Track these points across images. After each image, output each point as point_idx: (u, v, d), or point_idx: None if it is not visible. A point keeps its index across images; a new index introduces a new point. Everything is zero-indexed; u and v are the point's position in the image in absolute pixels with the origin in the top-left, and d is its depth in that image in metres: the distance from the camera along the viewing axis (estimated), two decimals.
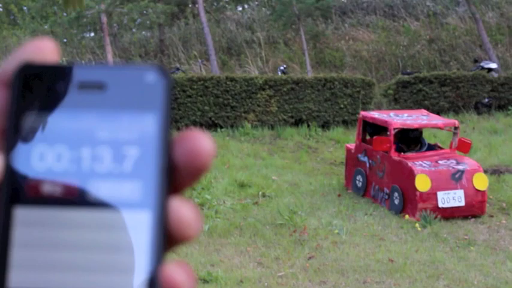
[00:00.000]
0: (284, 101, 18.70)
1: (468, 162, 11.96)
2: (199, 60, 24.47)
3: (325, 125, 18.82)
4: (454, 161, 11.92)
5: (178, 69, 22.51)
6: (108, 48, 22.14)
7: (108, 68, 0.55)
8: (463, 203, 11.48)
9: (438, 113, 18.28)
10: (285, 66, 23.44)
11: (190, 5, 29.90)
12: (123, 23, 26.98)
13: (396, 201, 11.82)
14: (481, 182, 11.61)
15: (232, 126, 18.28)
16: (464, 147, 12.22)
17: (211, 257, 9.52)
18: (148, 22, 25.53)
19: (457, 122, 12.61)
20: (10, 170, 0.53)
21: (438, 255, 9.69)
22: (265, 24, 27.86)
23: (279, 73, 22.26)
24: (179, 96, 17.75)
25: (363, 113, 13.41)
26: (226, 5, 31.77)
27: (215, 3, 31.80)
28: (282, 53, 26.02)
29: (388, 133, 12.20)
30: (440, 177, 11.52)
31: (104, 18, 21.93)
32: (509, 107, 20.41)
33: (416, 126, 12.37)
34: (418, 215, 11.29)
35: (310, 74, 21.75)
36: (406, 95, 20.26)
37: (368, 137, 13.31)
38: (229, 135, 17.87)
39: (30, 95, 0.54)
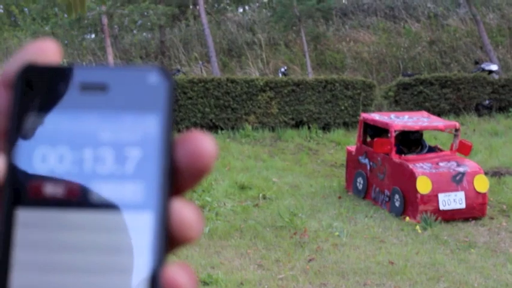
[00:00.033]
0: (285, 102, 18.70)
1: (469, 164, 11.96)
2: (200, 62, 24.49)
3: (325, 127, 18.82)
4: (455, 163, 11.91)
5: (178, 70, 22.53)
6: (109, 50, 22.15)
7: (110, 69, 0.55)
8: (463, 205, 11.48)
9: (439, 115, 18.28)
10: (285, 67, 23.46)
11: (191, 7, 29.92)
12: (124, 24, 26.99)
13: (397, 204, 11.82)
14: (481, 184, 11.60)
15: (232, 128, 18.28)
16: (464, 150, 12.22)
17: (212, 259, 9.51)
18: (149, 24, 25.54)
19: (457, 124, 12.61)
20: (12, 171, 0.53)
21: (439, 257, 9.68)
22: (266, 25, 27.88)
23: (280, 75, 22.28)
24: (180, 98, 17.75)
25: (363, 115, 13.40)
26: (227, 7, 31.80)
27: (216, 5, 31.83)
28: (282, 55, 26.03)
29: (389, 135, 12.20)
30: (441, 179, 11.52)
31: (105, 20, 21.96)
32: (510, 109, 20.41)
33: (417, 128, 12.37)
34: (419, 217, 11.29)
35: (310, 76, 21.76)
36: (406, 96, 20.26)
37: (369, 139, 13.30)
38: (230, 137, 17.87)
39: (32, 96, 0.54)
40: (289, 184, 13.87)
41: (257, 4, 31.10)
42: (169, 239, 0.53)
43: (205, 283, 8.59)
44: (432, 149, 12.66)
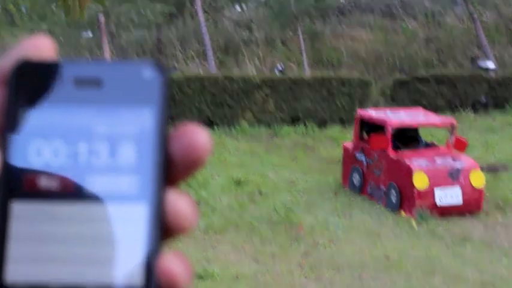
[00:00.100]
0: (281, 99, 18.70)
1: (465, 160, 11.98)
2: (197, 60, 24.47)
3: (322, 124, 18.82)
4: (451, 159, 11.93)
5: (175, 68, 22.50)
6: (106, 48, 22.11)
7: (105, 63, 0.55)
8: (460, 201, 11.49)
9: (435, 112, 18.27)
10: (282, 65, 23.44)
11: (188, 5, 29.88)
12: (121, 22, 26.94)
13: (393, 199, 11.83)
14: (477, 179, 11.62)
15: (229, 124, 18.28)
16: (460, 146, 12.24)
17: (207, 253, 9.51)
18: (146, 21, 25.51)
19: (454, 121, 12.63)
20: (8, 165, 0.53)
21: (434, 251, 9.69)
22: (263, 23, 27.85)
23: (277, 72, 22.27)
24: (176, 95, 17.75)
25: (360, 112, 13.42)
26: (224, 5, 31.76)
27: (213, 3, 31.79)
28: (279, 52, 26.02)
29: (386, 132, 12.20)
30: (437, 174, 11.53)
31: (102, 18, 21.92)
32: (506, 106, 20.43)
33: (414, 125, 12.39)
34: (416, 212, 11.29)
35: (307, 73, 21.75)
36: (403, 93, 20.27)
37: (365, 135, 13.31)
38: (227, 133, 17.87)
39: (27, 91, 0.54)
40: (285, 180, 13.87)
41: (255, 4, 31.06)
42: (164, 230, 0.53)
43: (201, 277, 8.59)
44: (428, 145, 12.68)
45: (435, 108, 19.52)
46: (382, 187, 12.20)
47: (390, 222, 11.13)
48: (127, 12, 22.93)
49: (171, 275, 0.53)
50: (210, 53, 22.62)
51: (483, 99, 20.49)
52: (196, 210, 0.55)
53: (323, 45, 26.67)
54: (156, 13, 22.77)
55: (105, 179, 0.53)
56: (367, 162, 12.85)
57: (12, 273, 0.52)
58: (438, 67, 24.64)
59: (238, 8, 31.57)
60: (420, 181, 11.45)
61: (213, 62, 22.58)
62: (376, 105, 19.52)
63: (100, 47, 24.35)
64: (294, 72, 23.37)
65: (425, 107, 18.17)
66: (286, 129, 18.25)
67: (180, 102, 17.83)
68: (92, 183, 0.53)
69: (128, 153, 0.53)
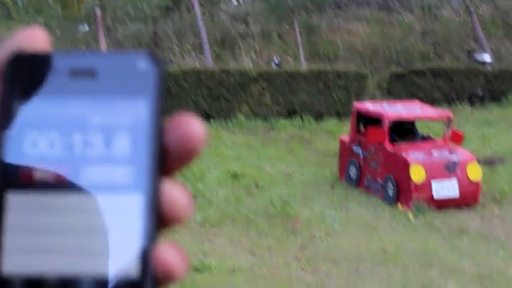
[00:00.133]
0: (278, 93, 18.70)
1: (461, 153, 11.99)
2: (194, 53, 24.45)
3: (318, 117, 18.83)
4: (448, 152, 11.93)
5: (171, 61, 22.50)
6: (102, 41, 22.10)
7: (100, 54, 0.55)
8: (457, 194, 11.50)
9: (432, 105, 18.29)
10: (279, 58, 23.44)
11: None
12: (117, 16, 26.91)
13: (390, 192, 11.83)
14: (474, 172, 11.64)
15: (225, 118, 18.29)
16: (457, 139, 12.26)
17: (204, 246, 9.52)
18: (143, 15, 25.48)
19: (450, 114, 12.63)
20: (3, 157, 0.53)
21: (431, 244, 9.70)
22: (259, 17, 27.83)
23: (273, 65, 22.27)
24: (173, 88, 17.74)
25: (357, 105, 13.42)
26: None
27: None
28: (276, 46, 26.02)
29: (383, 125, 12.21)
30: (434, 167, 11.54)
31: (98, 11, 21.90)
32: (503, 99, 20.45)
33: (411, 118, 12.39)
34: (412, 205, 11.31)
35: (304, 66, 21.75)
36: (399, 86, 20.28)
37: (362, 128, 13.31)
38: (223, 126, 17.87)
39: (22, 83, 0.54)
40: (282, 173, 13.88)
41: None
42: (159, 220, 0.53)
43: (197, 270, 8.59)
44: (424, 138, 12.69)
45: (432, 101, 19.53)
46: (379, 180, 12.21)
47: (387, 215, 11.14)
48: (123, 5, 22.90)
49: (167, 265, 0.53)
50: (206, 46, 22.61)
51: (479, 92, 20.51)
52: (192, 200, 0.55)
53: (319, 39, 26.66)
54: (152, 6, 22.75)
55: (101, 170, 0.53)
56: (363, 155, 12.86)
57: (8, 264, 0.52)
58: (435, 60, 24.65)
59: (234, 2, 31.54)
60: (417, 174, 11.46)
61: (209, 56, 22.57)
62: (372, 98, 19.53)
63: (96, 40, 24.34)
64: (290, 65, 23.38)
65: (421, 100, 18.19)
66: (283, 122, 18.26)
67: (176, 95, 17.81)
68: (88, 174, 0.53)
69: (123, 144, 0.53)
